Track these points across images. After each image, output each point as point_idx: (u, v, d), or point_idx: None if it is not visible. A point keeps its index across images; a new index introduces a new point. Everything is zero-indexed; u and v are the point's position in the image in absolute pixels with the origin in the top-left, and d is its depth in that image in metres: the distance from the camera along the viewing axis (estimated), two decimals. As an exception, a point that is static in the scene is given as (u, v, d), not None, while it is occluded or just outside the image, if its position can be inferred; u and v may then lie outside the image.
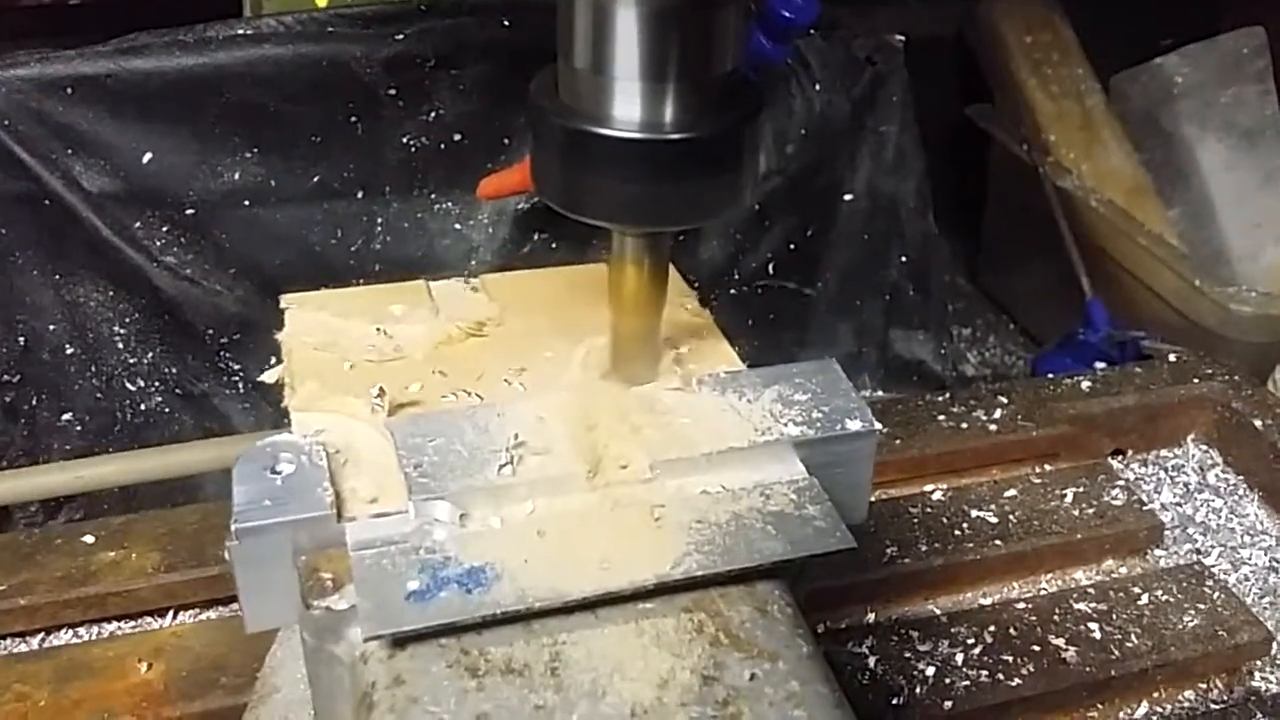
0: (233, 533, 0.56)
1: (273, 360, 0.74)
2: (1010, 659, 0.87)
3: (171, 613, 0.91)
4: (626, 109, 0.59)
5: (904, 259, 1.54)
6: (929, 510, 1.02)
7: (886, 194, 1.50)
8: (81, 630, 0.89)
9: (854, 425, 0.66)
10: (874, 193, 1.49)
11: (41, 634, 0.88)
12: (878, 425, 0.66)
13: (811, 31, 1.28)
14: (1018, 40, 1.83)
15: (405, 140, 1.22)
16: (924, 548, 0.97)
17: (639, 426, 0.64)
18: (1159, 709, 0.89)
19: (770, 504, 0.61)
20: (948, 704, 0.84)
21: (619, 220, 0.63)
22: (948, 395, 1.15)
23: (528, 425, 0.63)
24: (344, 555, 0.57)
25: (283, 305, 0.76)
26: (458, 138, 1.23)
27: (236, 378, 1.24)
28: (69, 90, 1.10)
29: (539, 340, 0.73)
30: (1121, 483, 1.06)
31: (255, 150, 1.17)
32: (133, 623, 0.90)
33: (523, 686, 0.52)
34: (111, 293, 1.18)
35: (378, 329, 0.73)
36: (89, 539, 0.92)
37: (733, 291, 1.43)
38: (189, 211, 1.17)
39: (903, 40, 1.46)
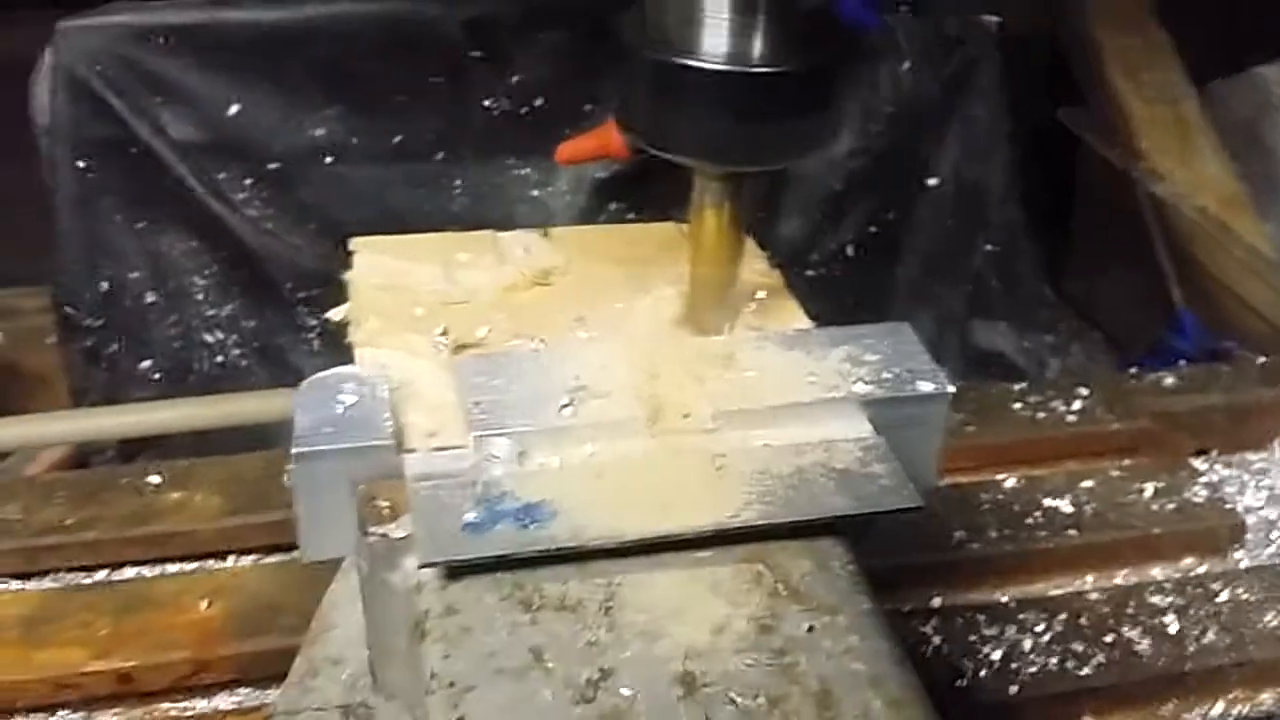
0: (293, 457, 0.56)
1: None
2: (1081, 648, 0.85)
3: (231, 555, 0.92)
4: (714, 42, 0.58)
5: (989, 247, 1.51)
6: (1001, 498, 0.99)
7: (973, 180, 1.47)
8: (143, 568, 0.90)
9: (926, 386, 0.64)
10: (960, 178, 1.46)
11: (105, 569, 0.90)
12: (950, 387, 0.64)
13: (903, 6, 1.26)
14: (1111, 42, 1.79)
15: (486, 104, 1.22)
16: (994, 534, 0.95)
17: (703, 377, 0.63)
18: (1235, 709, 0.86)
19: (835, 460, 0.60)
20: (1013, 689, 0.82)
21: (703, 156, 0.62)
22: (1025, 384, 1.12)
23: (590, 370, 0.62)
24: (402, 485, 0.57)
25: (351, 248, 0.76)
26: (539, 103, 1.23)
27: (312, 333, 1.26)
28: (162, 39, 1.12)
29: (604, 291, 0.72)
30: (1203, 481, 1.02)
31: (339, 107, 1.18)
32: (193, 563, 0.91)
33: (576, 623, 0.52)
34: (194, 243, 1.20)
35: (444, 274, 0.73)
36: (154, 479, 0.94)
37: (810, 272, 1.41)
38: (272, 165, 1.19)
39: (998, 21, 1.42)
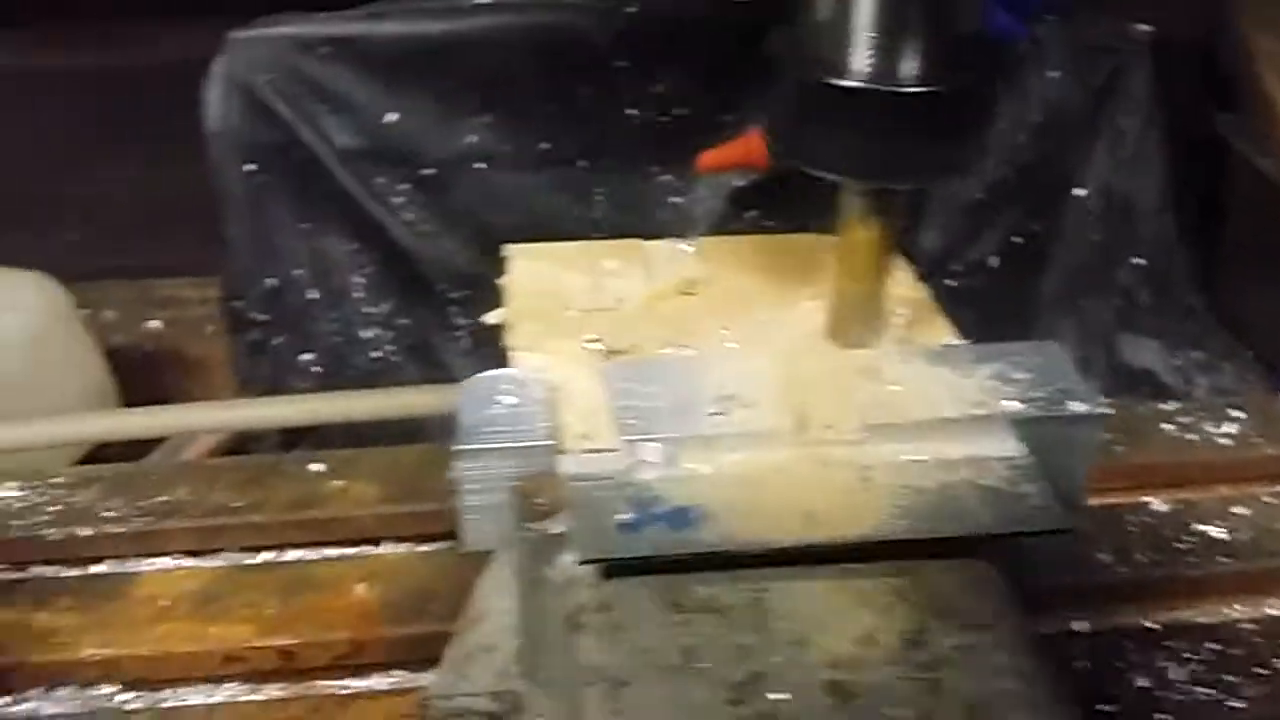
0: (458, 453, 0.59)
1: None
2: (1232, 679, 0.82)
3: (386, 542, 0.95)
4: (863, 61, 0.59)
5: (1138, 261, 1.47)
6: (1149, 521, 0.97)
7: (1122, 193, 1.44)
8: (304, 551, 0.94)
9: (1078, 407, 0.64)
10: (1109, 190, 1.43)
11: (268, 551, 0.93)
12: (1105, 409, 0.64)
13: (1050, 15, 1.25)
14: (1267, 48, 1.71)
15: (630, 112, 1.24)
16: (1142, 558, 0.93)
17: (850, 389, 0.64)
18: (1390, 748, 0.83)
19: (983, 477, 0.60)
20: (1159, 717, 0.80)
21: (850, 173, 0.63)
22: (1176, 404, 1.09)
23: (737, 379, 0.64)
24: (558, 484, 0.59)
25: (506, 254, 0.79)
26: (680, 111, 1.25)
27: (461, 332, 1.30)
28: (325, 50, 1.18)
29: (750, 301, 0.74)
30: (1362, 512, 0.98)
31: (491, 115, 1.22)
32: (353, 548, 0.94)
33: (725, 626, 0.53)
34: (353, 244, 1.25)
35: (594, 281, 0.76)
36: (317, 467, 0.98)
37: (951, 282, 1.40)
38: (427, 171, 1.23)
39: (1149, 30, 1.39)
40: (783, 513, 0.57)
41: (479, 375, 0.64)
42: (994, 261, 1.41)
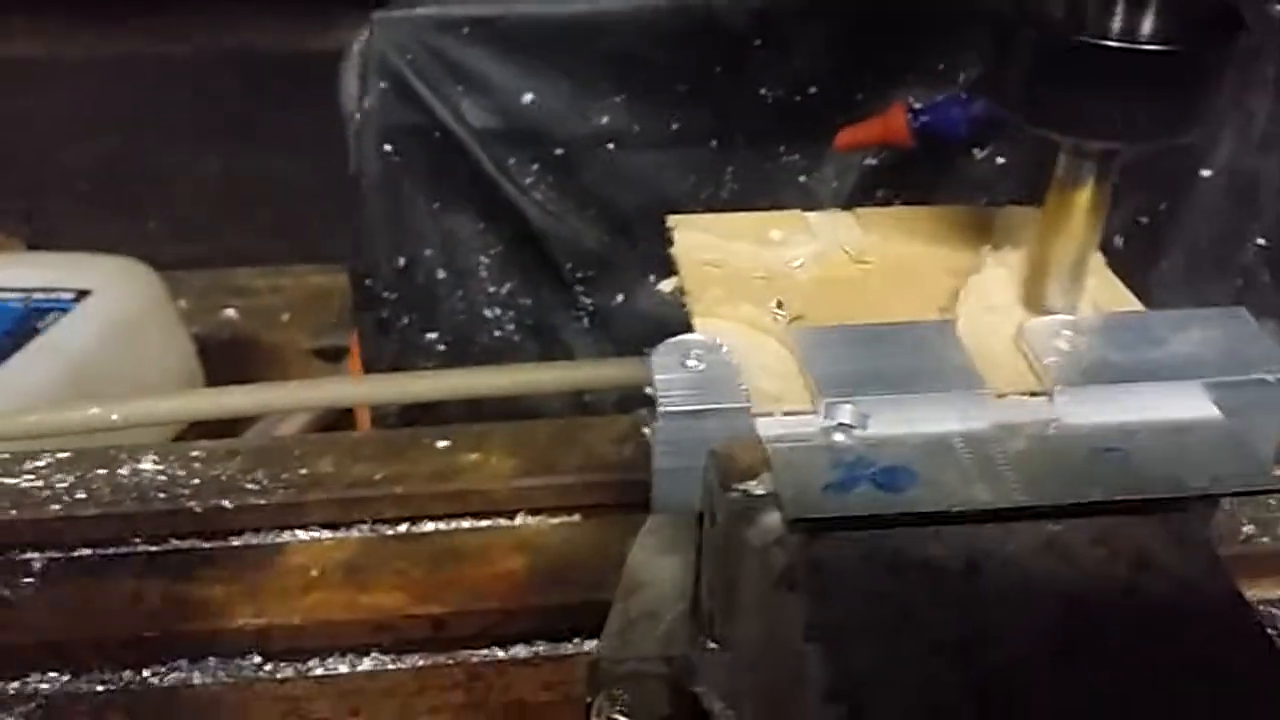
0: (658, 414, 0.60)
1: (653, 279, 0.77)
2: None
3: (521, 514, 0.96)
4: (1099, 18, 0.59)
5: (1261, 242, 1.45)
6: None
7: (1248, 173, 1.41)
8: (443, 523, 0.95)
9: (1271, 371, 0.63)
10: (1235, 170, 1.40)
11: (408, 522, 0.95)
12: (1299, 376, 0.63)
13: None
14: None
15: (762, 91, 1.24)
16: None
17: (1044, 354, 0.63)
18: None
19: (1185, 439, 0.60)
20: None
21: (1082, 133, 0.62)
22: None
23: (929, 344, 0.64)
24: (757, 446, 0.59)
25: (669, 224, 0.79)
26: (812, 90, 1.25)
27: (583, 312, 1.31)
28: (465, 30, 1.18)
29: (924, 270, 0.74)
30: None
31: (623, 96, 1.23)
32: (488, 520, 0.96)
33: (939, 585, 0.53)
34: (482, 224, 1.26)
35: (763, 250, 0.76)
36: (450, 441, 1.00)
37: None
38: (558, 151, 1.24)
39: (1280, 10, 1.36)
40: (987, 475, 0.57)
41: (668, 340, 0.65)
42: (1120, 242, 1.38)
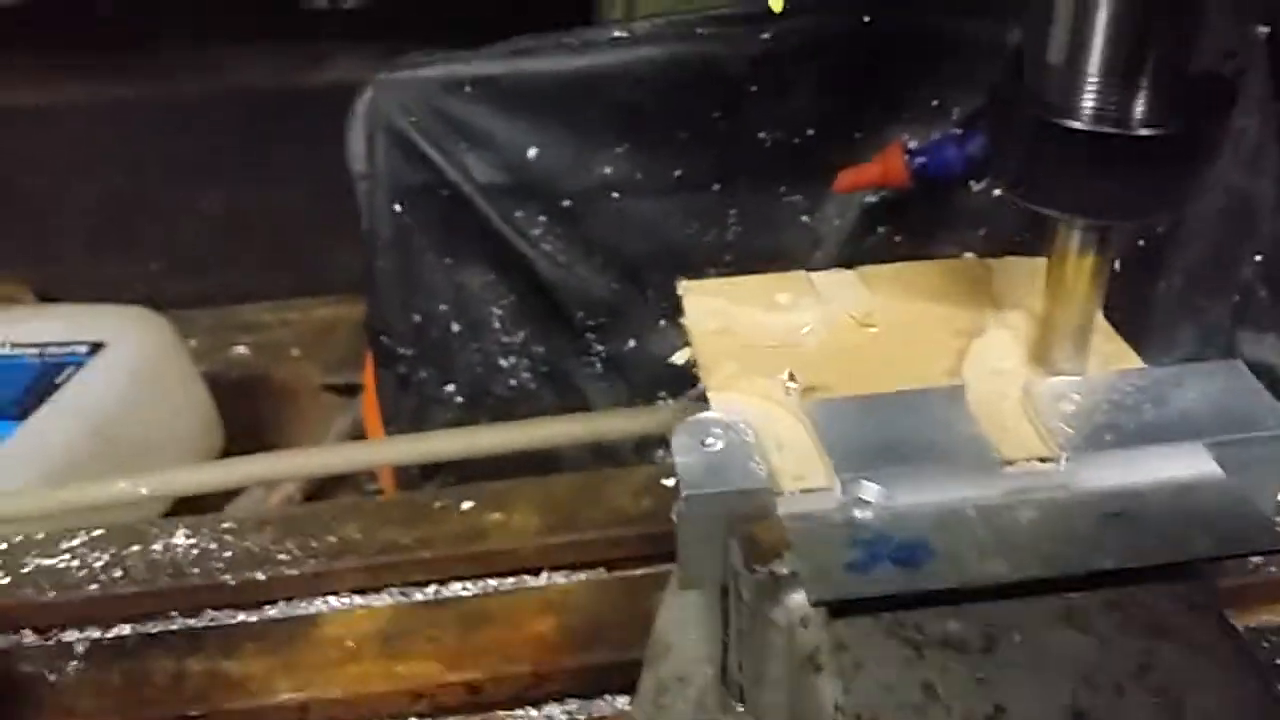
0: (682, 497, 0.62)
1: (671, 343, 0.79)
2: None
3: (546, 572, 0.98)
4: (1092, 102, 0.60)
5: (1258, 258, 1.47)
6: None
7: (1241, 190, 1.43)
8: (470, 584, 0.97)
9: (1270, 426, 0.65)
10: (1229, 189, 1.42)
11: (436, 584, 0.97)
12: (1299, 430, 0.65)
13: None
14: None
15: (761, 135, 1.27)
16: (1280, 553, 0.93)
17: (1050, 418, 0.65)
18: None
19: (1191, 501, 0.61)
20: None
21: (1076, 211, 0.64)
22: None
23: (940, 413, 0.66)
24: (778, 525, 0.61)
25: (680, 291, 0.81)
26: (810, 132, 1.27)
27: (596, 358, 1.33)
28: (467, 89, 1.21)
29: (929, 331, 0.75)
30: None
31: (626, 146, 1.25)
32: (514, 579, 0.98)
33: (961, 661, 0.55)
34: (493, 276, 1.29)
35: (771, 316, 0.78)
36: (473, 501, 1.01)
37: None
38: (565, 203, 1.26)
39: (1266, 31, 1.38)
40: (1004, 546, 0.59)
41: (687, 420, 0.67)
42: (1118, 266, 1.40)
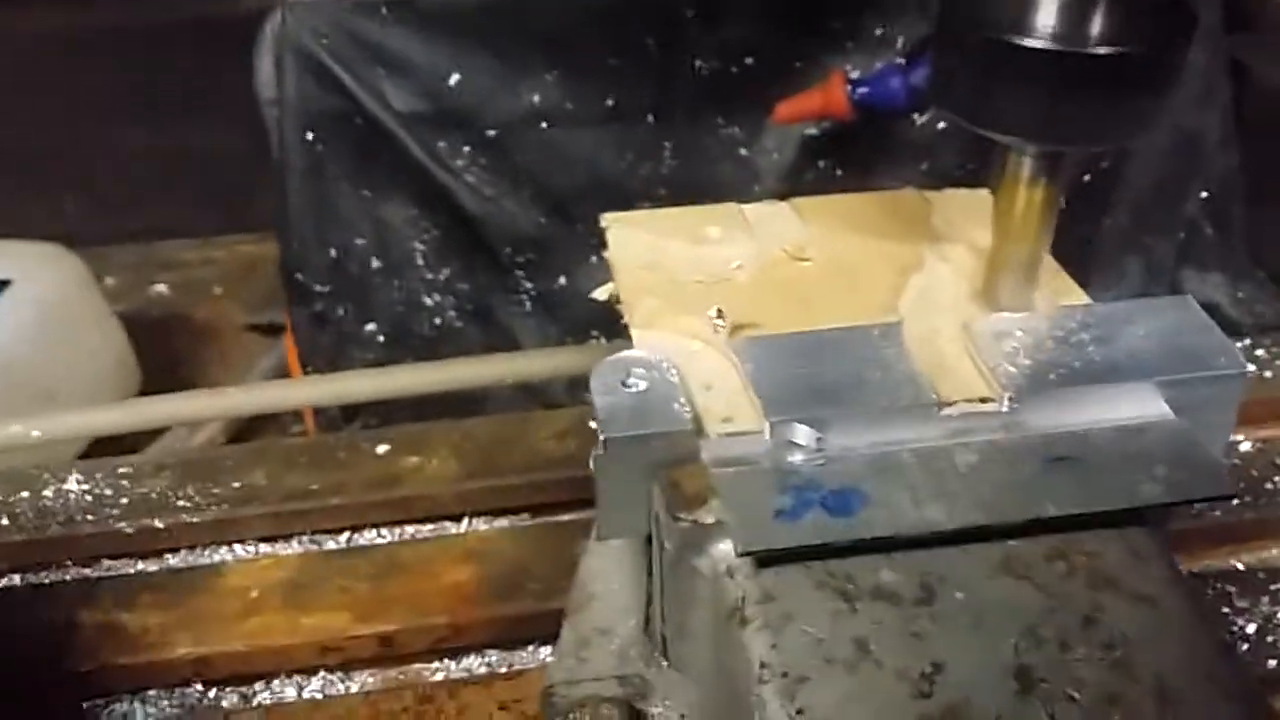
0: (600, 442, 0.57)
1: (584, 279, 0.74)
2: None
3: (467, 518, 0.94)
4: (1045, 19, 0.56)
5: (1204, 195, 1.45)
6: (1236, 462, 0.96)
7: (1189, 125, 1.40)
8: (385, 531, 0.93)
9: (1222, 366, 0.62)
10: (1177, 123, 1.39)
11: (349, 532, 0.93)
12: (1250, 367, 0.62)
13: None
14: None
15: (697, 64, 1.21)
16: (1233, 500, 0.92)
17: (992, 358, 0.62)
18: None
19: (1139, 444, 0.58)
20: (1272, 662, 0.79)
21: (1027, 135, 0.60)
22: (1248, 342, 1.08)
23: (876, 350, 0.62)
24: (703, 471, 0.57)
25: (603, 224, 0.76)
26: (749, 61, 1.22)
27: (525, 296, 1.28)
28: (383, 10, 1.14)
29: (863, 265, 0.71)
30: None
31: (555, 73, 1.19)
32: (432, 526, 0.93)
33: (896, 614, 0.52)
34: (415, 210, 1.23)
35: (700, 250, 0.73)
36: (389, 445, 0.97)
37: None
38: (490, 132, 1.20)
39: (1219, -42, 1.35)
40: (940, 494, 0.55)
41: (607, 359, 0.62)
42: (1063, 201, 1.37)
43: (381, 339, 1.26)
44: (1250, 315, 1.56)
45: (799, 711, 0.48)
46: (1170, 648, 0.51)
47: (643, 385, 0.60)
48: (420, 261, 1.25)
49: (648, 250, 0.74)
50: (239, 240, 2.04)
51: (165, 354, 1.78)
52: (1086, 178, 1.38)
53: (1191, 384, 0.61)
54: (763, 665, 0.50)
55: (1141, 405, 0.60)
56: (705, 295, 0.68)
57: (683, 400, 0.59)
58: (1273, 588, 0.85)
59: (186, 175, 2.08)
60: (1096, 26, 0.55)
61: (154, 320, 1.92)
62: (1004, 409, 0.59)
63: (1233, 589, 0.85)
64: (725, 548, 0.55)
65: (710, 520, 0.56)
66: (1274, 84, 1.61)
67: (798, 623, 0.52)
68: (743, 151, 1.26)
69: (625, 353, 0.63)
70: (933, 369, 0.62)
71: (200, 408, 1.06)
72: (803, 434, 0.58)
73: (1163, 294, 1.48)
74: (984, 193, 0.78)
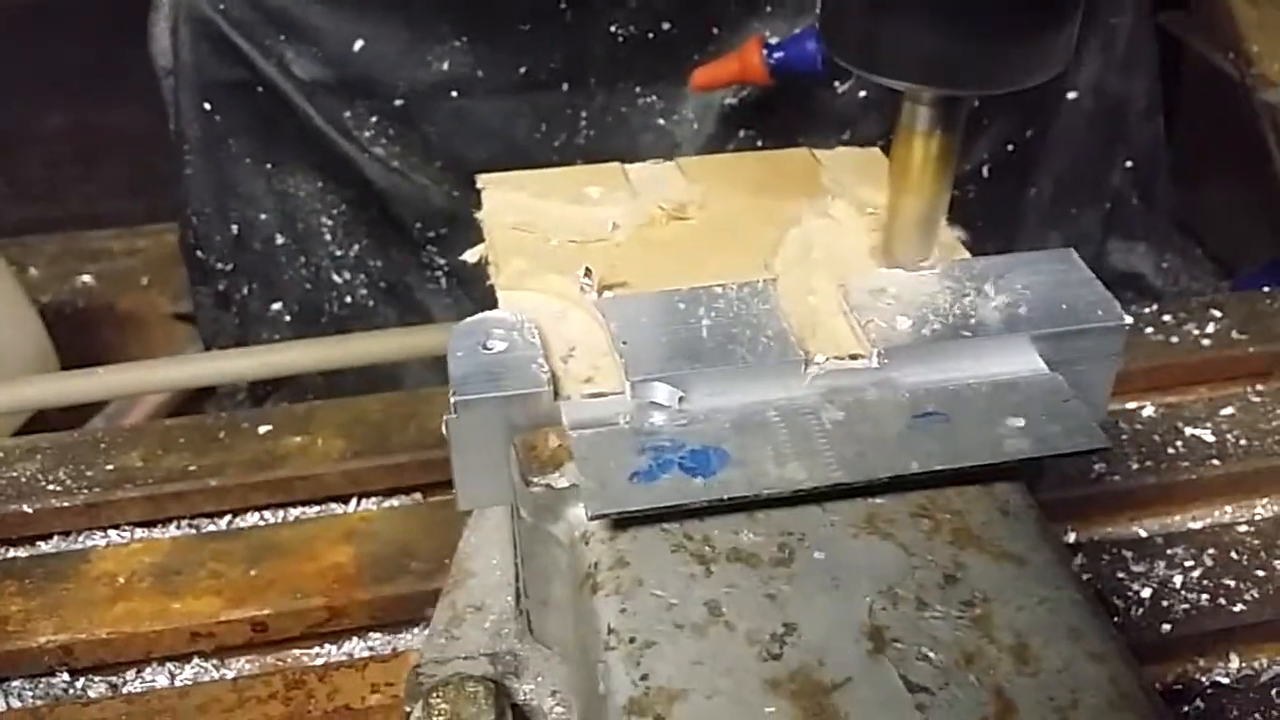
0: (451, 405, 0.55)
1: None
2: (1232, 583, 0.81)
3: (355, 499, 0.91)
4: None
5: (1129, 164, 1.44)
6: (1139, 427, 0.95)
7: (1114, 94, 1.39)
8: (267, 513, 0.90)
9: (1099, 319, 0.60)
10: (1101, 92, 1.38)
11: (229, 515, 0.90)
12: (1127, 319, 0.60)
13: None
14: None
15: (613, 29, 1.18)
16: (1135, 465, 0.91)
17: (865, 313, 0.60)
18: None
19: (1010, 399, 0.56)
20: (1166, 626, 0.78)
21: (919, 79, 0.56)
22: (1155, 307, 1.07)
23: (745, 307, 0.60)
24: (561, 434, 0.55)
25: (479, 185, 0.74)
26: (666, 27, 1.19)
27: (440, 271, 1.25)
28: (284, -25, 1.10)
29: (745, 223, 0.69)
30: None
31: (464, 39, 1.15)
32: (318, 507, 0.90)
33: (752, 575, 0.50)
34: (321, 184, 1.19)
35: (577, 210, 0.71)
36: (275, 423, 0.94)
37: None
38: (398, 102, 1.17)
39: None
40: (804, 451, 0.54)
41: (466, 320, 0.60)
42: (987, 171, 1.36)
43: (288, 318, 1.22)
44: (1175, 285, 1.56)
45: (643, 677, 0.46)
46: (1033, 607, 0.49)
47: (502, 346, 0.58)
48: (328, 237, 1.21)
49: (522, 210, 0.71)
50: (167, 229, 2.00)
51: (89, 345, 1.74)
52: (1010, 147, 1.37)
53: (1068, 337, 0.59)
54: (610, 631, 0.48)
55: (1015, 360, 0.59)
56: (578, 255, 0.66)
57: (540, 361, 0.57)
58: (1169, 552, 0.84)
59: (113, 160, 2.02)
60: None
61: (78, 311, 1.88)
62: (874, 365, 0.57)
63: (1129, 554, 0.84)
64: (581, 513, 0.53)
65: (564, 484, 0.53)
66: (1211, 61, 1.62)
67: (649, 587, 0.50)
68: (661, 121, 1.24)
69: (485, 314, 0.60)
70: (805, 326, 0.60)
71: (72, 390, 1.02)
72: (664, 393, 0.56)
73: (1089, 264, 1.48)
74: (875, 151, 0.76)
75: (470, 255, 0.69)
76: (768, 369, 0.57)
